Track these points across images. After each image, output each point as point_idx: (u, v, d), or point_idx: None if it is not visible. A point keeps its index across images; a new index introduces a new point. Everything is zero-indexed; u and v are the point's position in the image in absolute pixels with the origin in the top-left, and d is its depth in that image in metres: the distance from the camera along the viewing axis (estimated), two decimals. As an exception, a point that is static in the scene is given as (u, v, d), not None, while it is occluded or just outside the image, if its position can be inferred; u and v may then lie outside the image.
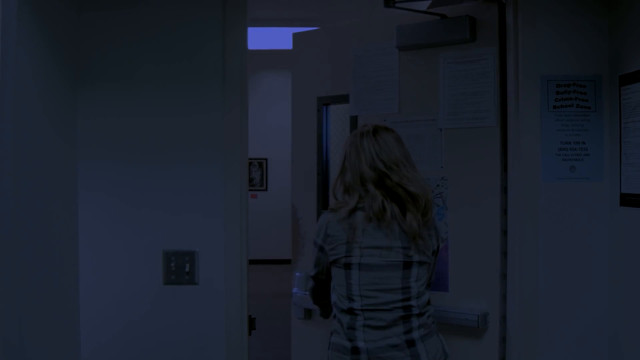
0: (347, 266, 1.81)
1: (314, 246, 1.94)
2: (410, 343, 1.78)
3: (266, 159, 9.94)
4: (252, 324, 2.09)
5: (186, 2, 1.99)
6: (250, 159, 2.19)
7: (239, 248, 2.00)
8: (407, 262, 1.81)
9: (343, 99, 2.52)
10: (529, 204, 2.04)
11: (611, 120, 2.02)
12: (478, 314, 2.13)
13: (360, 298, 1.80)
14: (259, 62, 8.22)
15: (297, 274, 2.59)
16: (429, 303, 1.88)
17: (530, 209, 2.04)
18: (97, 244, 1.98)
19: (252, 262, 2.14)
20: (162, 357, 2.00)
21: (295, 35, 2.72)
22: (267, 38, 5.63)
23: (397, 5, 2.16)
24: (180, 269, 1.98)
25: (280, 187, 9.08)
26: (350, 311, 1.81)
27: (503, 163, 2.15)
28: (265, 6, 4.15)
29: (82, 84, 1.97)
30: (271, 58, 7.67)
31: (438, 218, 2.22)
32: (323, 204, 2.57)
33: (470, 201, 2.19)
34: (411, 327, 1.79)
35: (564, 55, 2.04)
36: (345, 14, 4.51)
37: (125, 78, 1.98)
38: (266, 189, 10.07)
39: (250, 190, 2.34)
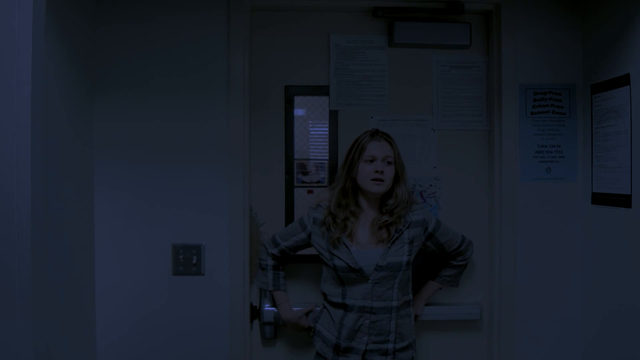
0: None
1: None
2: None
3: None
4: (255, 312, 2.19)
5: (194, 18, 2.12)
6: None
7: (241, 242, 2.12)
8: None
9: (319, 90, 2.26)
10: (508, 203, 2.17)
11: (584, 125, 2.16)
12: (471, 310, 2.21)
13: None
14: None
15: None
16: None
17: (509, 206, 2.17)
18: (111, 237, 2.11)
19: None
20: (170, 340, 2.12)
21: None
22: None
23: (386, 16, 2.19)
24: (187, 260, 2.11)
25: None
26: None
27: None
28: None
29: (98, 92, 2.10)
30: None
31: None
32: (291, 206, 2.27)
33: (462, 200, 2.26)
34: None
35: (541, 65, 2.17)
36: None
37: (137, 86, 2.10)
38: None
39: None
